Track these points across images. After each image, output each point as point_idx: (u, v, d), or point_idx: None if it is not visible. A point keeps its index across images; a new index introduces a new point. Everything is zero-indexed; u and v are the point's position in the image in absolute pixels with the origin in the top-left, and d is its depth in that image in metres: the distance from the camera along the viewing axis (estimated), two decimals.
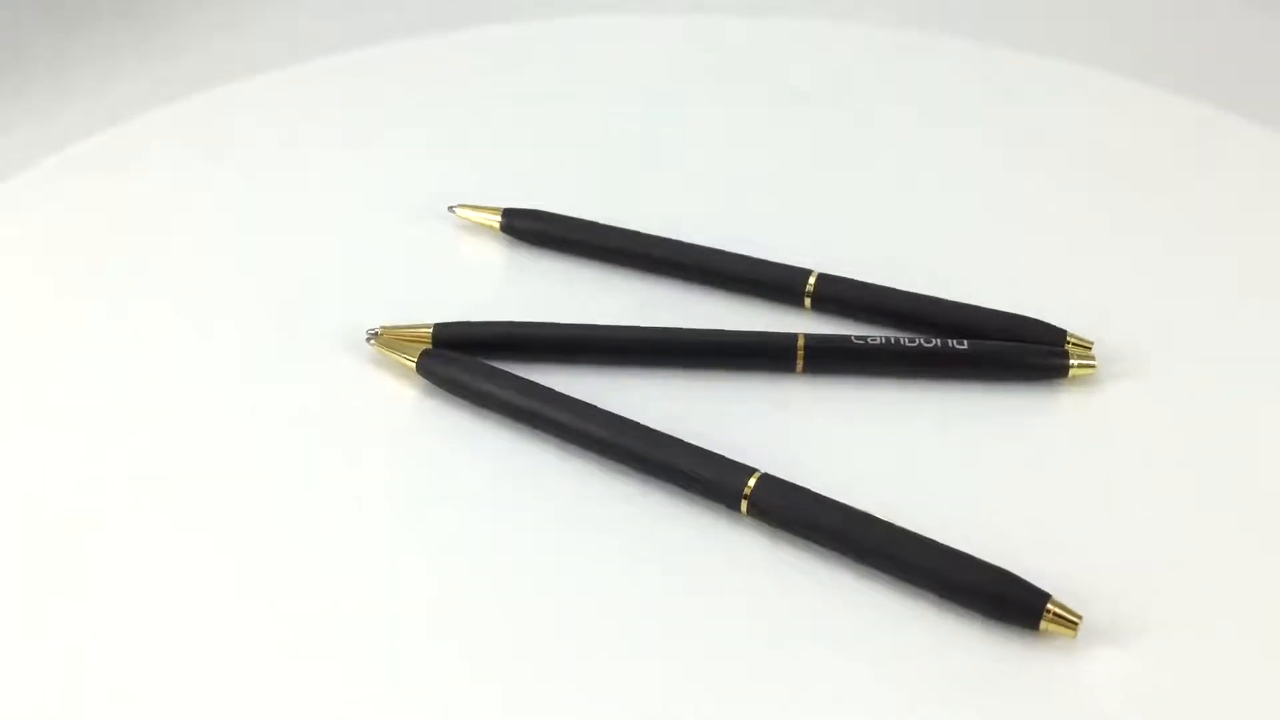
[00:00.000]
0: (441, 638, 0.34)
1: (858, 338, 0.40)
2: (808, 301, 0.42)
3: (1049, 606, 0.32)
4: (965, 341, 0.40)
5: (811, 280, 0.42)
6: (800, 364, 0.40)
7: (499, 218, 0.44)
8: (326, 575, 0.35)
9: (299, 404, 0.39)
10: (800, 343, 0.40)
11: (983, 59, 0.54)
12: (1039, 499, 0.37)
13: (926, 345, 0.39)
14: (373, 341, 0.40)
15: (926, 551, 0.33)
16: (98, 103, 0.52)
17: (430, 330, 0.40)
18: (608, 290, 0.43)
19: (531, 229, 0.44)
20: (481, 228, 0.45)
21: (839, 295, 0.42)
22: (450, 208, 0.45)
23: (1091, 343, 0.40)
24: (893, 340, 0.40)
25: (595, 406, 0.38)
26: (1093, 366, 0.40)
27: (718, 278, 0.43)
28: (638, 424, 0.37)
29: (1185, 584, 0.34)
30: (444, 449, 0.38)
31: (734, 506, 0.35)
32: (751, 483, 0.35)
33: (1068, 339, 0.40)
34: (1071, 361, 0.39)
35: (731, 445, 0.37)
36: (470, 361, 0.39)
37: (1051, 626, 0.32)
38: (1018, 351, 0.40)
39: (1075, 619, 0.32)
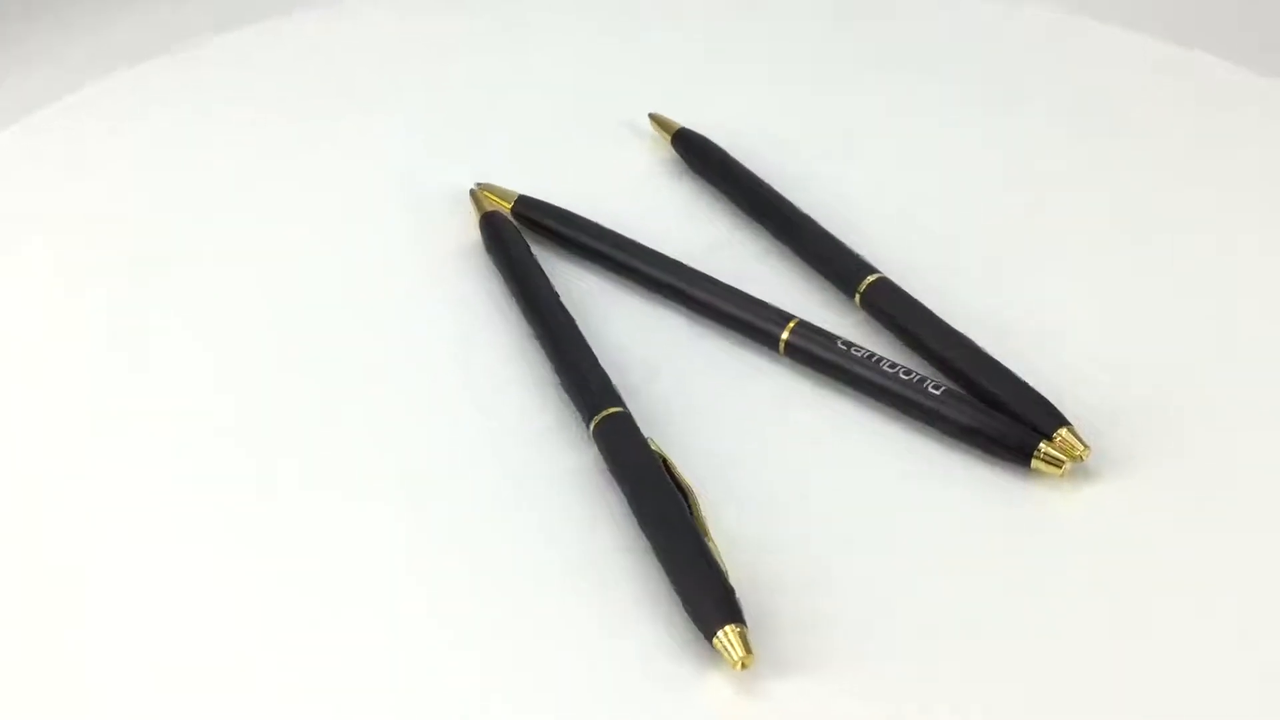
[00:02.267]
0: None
1: (844, 343, 0.37)
2: (857, 299, 0.39)
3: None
4: (941, 388, 0.36)
5: (868, 280, 0.39)
6: (781, 347, 0.38)
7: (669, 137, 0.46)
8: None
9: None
10: (788, 328, 0.38)
11: None
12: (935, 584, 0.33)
13: (902, 377, 0.36)
14: (477, 188, 0.44)
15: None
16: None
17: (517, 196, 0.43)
18: (700, 224, 0.44)
19: (698, 153, 0.45)
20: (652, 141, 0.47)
21: (884, 304, 0.39)
22: (651, 115, 0.47)
23: (1087, 448, 0.35)
24: (872, 359, 0.37)
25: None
26: (1059, 469, 0.34)
27: (796, 241, 0.42)
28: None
29: None
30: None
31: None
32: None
33: (1060, 432, 0.35)
34: (1041, 453, 0.34)
35: (696, 398, 0.37)
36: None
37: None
38: (982, 421, 0.35)
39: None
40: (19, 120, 0.48)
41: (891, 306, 0.39)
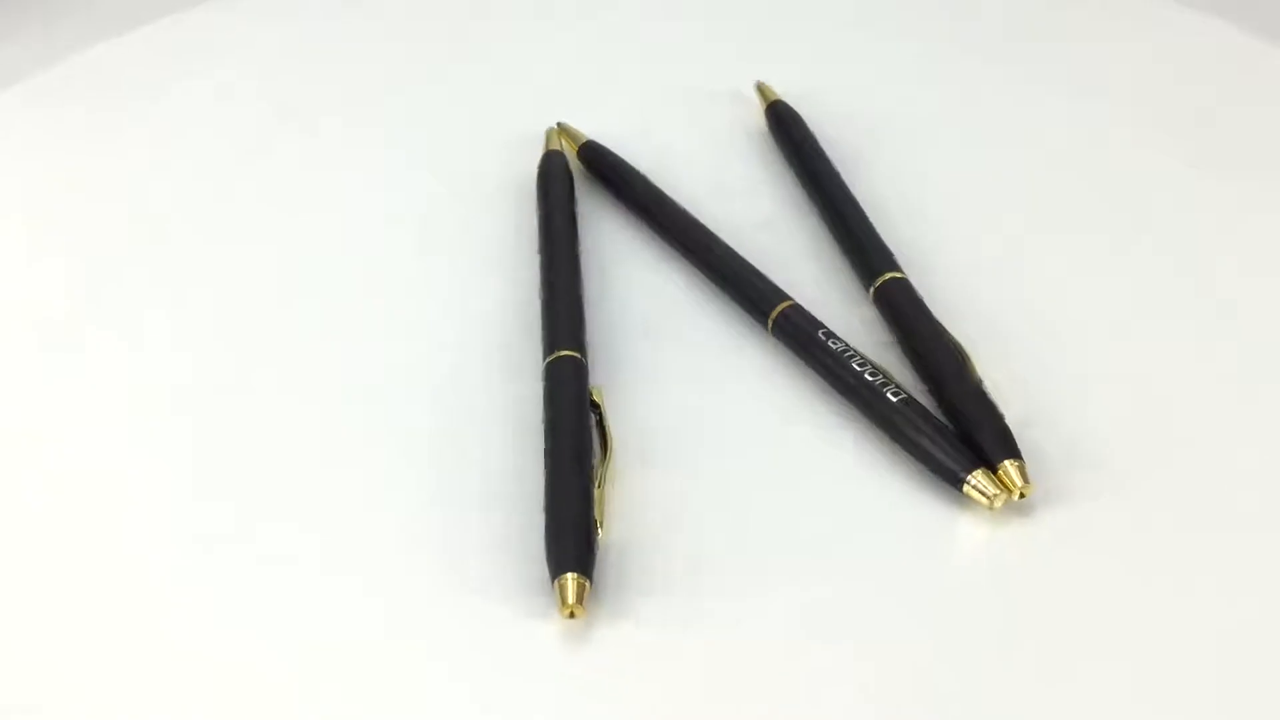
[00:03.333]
0: None
1: (825, 333, 0.36)
2: (871, 293, 0.38)
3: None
4: (901, 396, 0.34)
5: (883, 277, 0.38)
6: (769, 324, 0.37)
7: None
8: None
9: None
10: (779, 308, 0.37)
11: None
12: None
13: (866, 377, 0.35)
14: (555, 126, 0.45)
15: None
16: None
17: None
18: (762, 196, 0.43)
19: (783, 126, 0.45)
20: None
21: (891, 303, 0.38)
22: (758, 84, 0.47)
23: (1029, 485, 0.33)
24: (844, 354, 0.36)
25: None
26: (988, 501, 0.32)
27: (837, 226, 0.41)
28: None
29: None
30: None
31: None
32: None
33: (1005, 464, 0.33)
34: (972, 481, 0.32)
35: (679, 358, 0.38)
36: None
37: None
38: (926, 435, 0.34)
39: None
40: (38, 75, 0.50)
41: (897, 307, 0.38)
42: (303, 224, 0.43)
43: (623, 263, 0.41)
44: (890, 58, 0.50)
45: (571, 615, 0.30)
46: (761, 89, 0.46)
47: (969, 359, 0.36)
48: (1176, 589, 0.32)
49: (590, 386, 0.36)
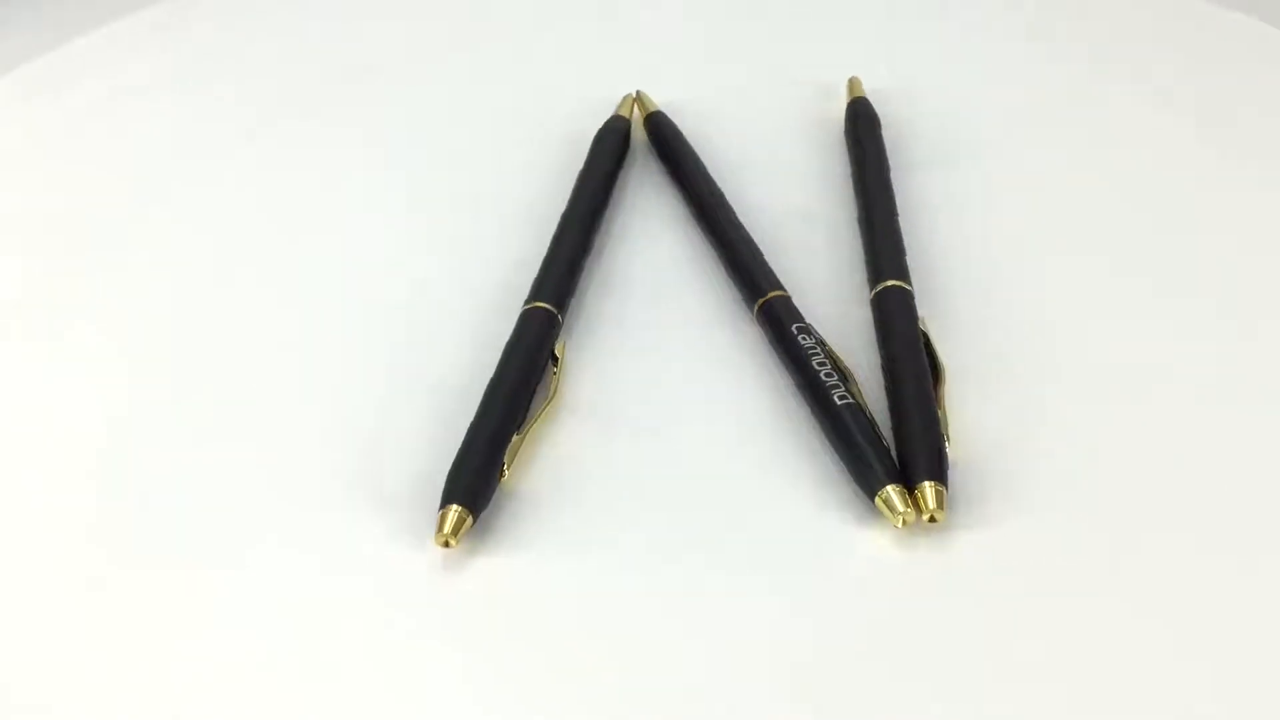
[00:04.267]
0: None
1: (800, 327, 0.36)
2: (870, 295, 0.38)
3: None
4: (846, 399, 0.34)
5: (882, 285, 0.37)
6: (755, 310, 0.37)
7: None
8: None
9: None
10: (767, 295, 0.37)
11: None
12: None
13: (821, 377, 0.34)
14: (635, 93, 0.46)
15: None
16: None
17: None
18: (812, 187, 0.43)
19: (857, 121, 0.44)
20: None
21: (881, 310, 0.37)
22: (852, 79, 0.46)
23: (940, 511, 0.32)
24: (809, 350, 0.35)
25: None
26: (895, 518, 0.32)
27: (864, 226, 0.40)
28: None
29: None
30: None
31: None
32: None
33: (923, 486, 0.32)
34: (882, 495, 0.32)
35: (666, 330, 0.38)
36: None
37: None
38: (850, 441, 0.33)
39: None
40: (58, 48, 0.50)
41: (888, 315, 0.37)
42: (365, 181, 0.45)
43: (648, 232, 0.42)
44: (988, 59, 0.49)
45: (445, 545, 0.31)
46: (852, 84, 0.46)
47: (942, 381, 0.35)
48: (1070, 619, 0.30)
49: (559, 343, 0.37)
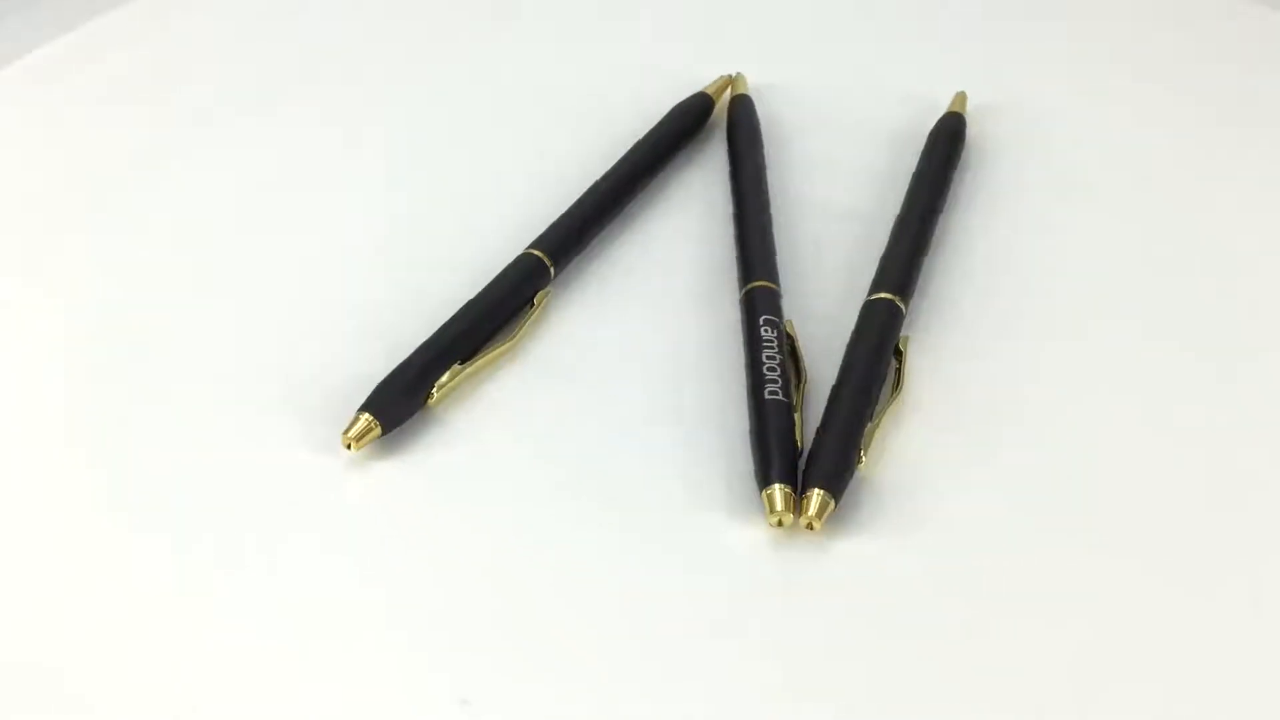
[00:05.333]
0: None
1: (768, 321, 0.36)
2: (863, 304, 0.37)
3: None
4: (776, 395, 0.34)
5: (872, 296, 0.37)
6: (741, 295, 0.38)
7: None
8: None
9: None
10: (753, 284, 0.37)
11: None
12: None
13: (765, 371, 0.35)
14: (733, 74, 0.46)
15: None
16: None
17: None
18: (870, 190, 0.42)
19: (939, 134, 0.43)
20: None
21: (862, 317, 0.37)
22: (960, 92, 0.45)
23: (819, 520, 0.32)
24: (765, 343, 0.35)
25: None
26: (773, 517, 0.32)
27: (894, 230, 0.40)
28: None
29: None
30: None
31: None
32: None
33: (811, 493, 0.32)
34: (767, 491, 0.32)
35: (658, 308, 0.39)
36: None
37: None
38: (760, 437, 0.33)
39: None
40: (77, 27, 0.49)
41: (865, 325, 0.37)
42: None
43: (686, 207, 0.42)
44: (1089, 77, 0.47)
45: (348, 447, 0.33)
46: (956, 99, 0.45)
47: (891, 401, 0.35)
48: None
49: (542, 291, 0.38)
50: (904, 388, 0.36)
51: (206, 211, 0.42)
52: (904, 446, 0.35)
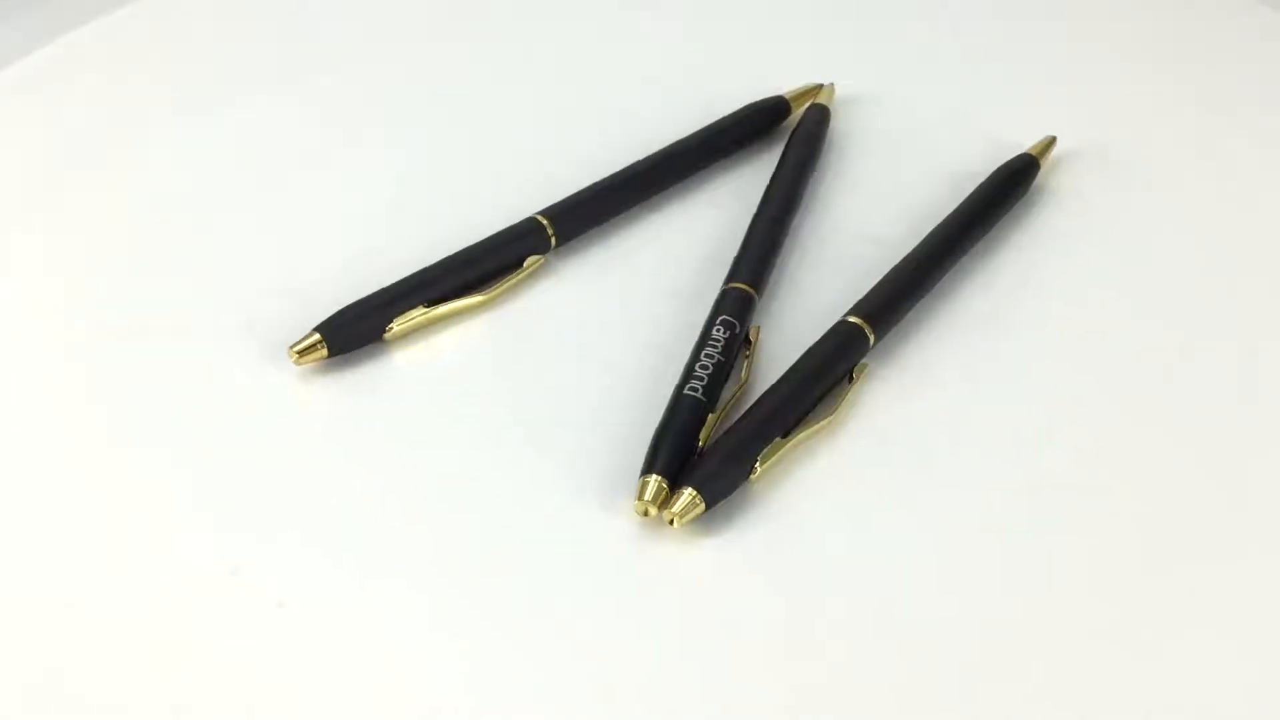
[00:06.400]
0: None
1: (726, 321, 0.36)
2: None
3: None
4: (696, 395, 0.34)
5: (847, 313, 0.36)
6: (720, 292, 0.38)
7: None
8: None
9: None
10: (732, 283, 0.38)
11: None
12: None
13: (696, 369, 0.35)
14: (824, 84, 0.46)
15: None
16: None
17: None
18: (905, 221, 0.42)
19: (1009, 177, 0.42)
20: None
21: (830, 338, 0.36)
22: (1050, 137, 0.43)
23: (679, 519, 0.32)
24: (710, 342, 0.36)
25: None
26: (638, 506, 0.32)
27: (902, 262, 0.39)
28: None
29: None
30: None
31: None
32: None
33: (683, 490, 0.32)
34: (641, 479, 0.33)
35: (651, 299, 0.40)
36: None
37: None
38: (665, 434, 0.34)
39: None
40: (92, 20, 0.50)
41: (826, 343, 0.36)
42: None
43: (721, 207, 0.42)
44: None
45: (294, 361, 0.36)
46: (1040, 144, 0.43)
47: (818, 424, 0.35)
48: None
49: (536, 257, 0.39)
50: (839, 414, 0.35)
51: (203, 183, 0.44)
52: (817, 471, 0.34)
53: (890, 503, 0.34)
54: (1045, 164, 0.43)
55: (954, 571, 0.33)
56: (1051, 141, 0.43)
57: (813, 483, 0.35)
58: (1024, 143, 0.44)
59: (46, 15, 0.49)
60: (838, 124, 0.45)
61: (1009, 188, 0.42)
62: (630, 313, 0.39)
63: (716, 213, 0.43)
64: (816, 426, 0.35)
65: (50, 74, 0.47)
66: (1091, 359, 0.38)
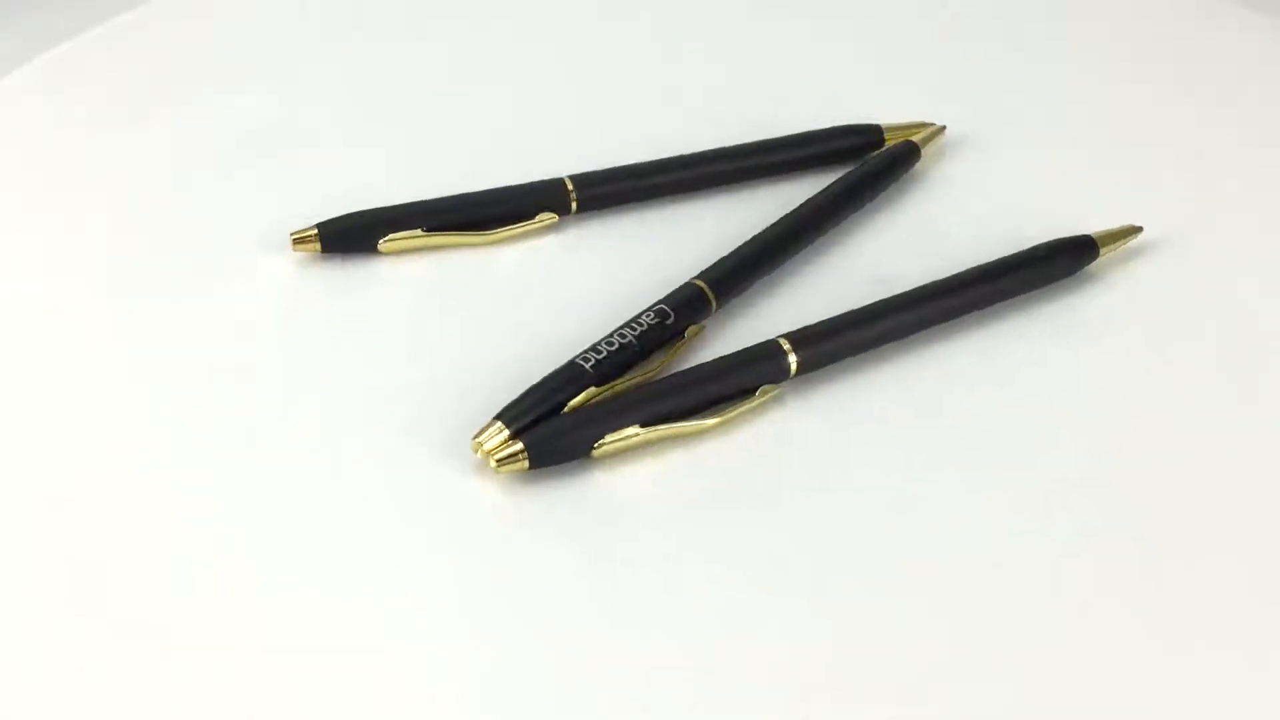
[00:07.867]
0: None
1: (668, 308, 0.37)
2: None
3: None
4: (586, 362, 0.35)
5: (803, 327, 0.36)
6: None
7: None
8: None
9: None
10: (696, 279, 0.38)
11: None
12: None
13: (604, 340, 0.36)
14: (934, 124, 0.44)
15: None
16: None
17: None
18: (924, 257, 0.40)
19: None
20: None
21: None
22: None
23: (490, 460, 0.33)
24: (633, 323, 0.37)
25: None
26: (475, 446, 0.34)
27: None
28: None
29: None
30: None
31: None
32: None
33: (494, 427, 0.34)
34: (485, 422, 0.34)
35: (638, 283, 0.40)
36: None
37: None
38: (535, 389, 0.35)
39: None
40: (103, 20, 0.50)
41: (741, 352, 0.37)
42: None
43: (744, 202, 0.43)
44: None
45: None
46: (1118, 230, 0.40)
47: (698, 424, 0.35)
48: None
49: (549, 214, 0.41)
50: (730, 424, 0.35)
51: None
52: (682, 472, 0.35)
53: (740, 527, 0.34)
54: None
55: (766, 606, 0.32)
56: (1124, 232, 0.41)
57: (673, 482, 0.35)
58: (1079, 227, 0.41)
59: (43, 22, 0.51)
60: (924, 166, 0.44)
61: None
62: (601, 287, 0.40)
63: (741, 209, 0.42)
64: (698, 425, 0.35)
65: (50, 80, 0.48)
66: None
